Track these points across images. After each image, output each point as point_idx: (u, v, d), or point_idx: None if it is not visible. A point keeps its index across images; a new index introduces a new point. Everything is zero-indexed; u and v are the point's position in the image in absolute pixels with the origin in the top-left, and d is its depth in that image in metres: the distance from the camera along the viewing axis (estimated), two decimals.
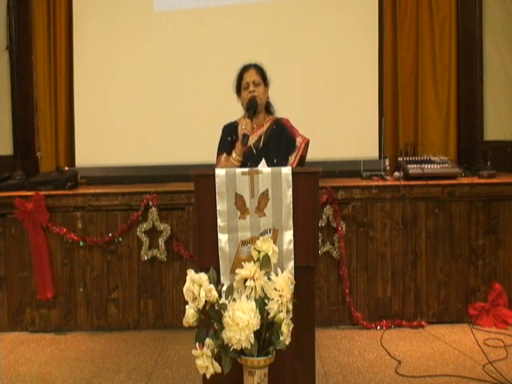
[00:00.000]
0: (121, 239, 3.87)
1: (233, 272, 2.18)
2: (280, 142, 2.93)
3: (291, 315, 2.03)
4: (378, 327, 3.79)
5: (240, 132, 2.78)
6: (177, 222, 3.88)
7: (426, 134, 4.57)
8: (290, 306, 2.01)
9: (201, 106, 4.42)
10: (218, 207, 2.25)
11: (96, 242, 3.86)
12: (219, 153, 2.96)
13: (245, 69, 2.96)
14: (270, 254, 2.08)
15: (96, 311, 3.93)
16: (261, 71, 2.96)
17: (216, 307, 2.00)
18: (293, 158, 2.89)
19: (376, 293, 3.86)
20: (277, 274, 2.02)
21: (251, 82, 2.90)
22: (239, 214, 2.24)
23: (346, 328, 3.83)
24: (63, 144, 4.67)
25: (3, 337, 3.83)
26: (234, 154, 2.84)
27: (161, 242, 3.82)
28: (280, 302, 1.96)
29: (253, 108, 2.84)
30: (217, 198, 2.25)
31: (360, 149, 4.11)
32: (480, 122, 4.56)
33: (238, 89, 2.97)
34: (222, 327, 1.94)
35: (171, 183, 4.20)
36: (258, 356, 1.97)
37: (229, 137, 2.97)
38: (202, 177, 2.30)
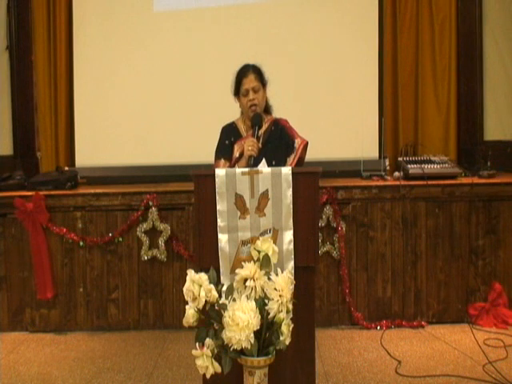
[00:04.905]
0: (121, 239, 3.87)
1: (233, 272, 2.18)
2: (279, 143, 2.91)
3: (291, 315, 2.03)
4: (378, 327, 3.78)
5: (246, 153, 2.73)
6: (177, 222, 3.88)
7: (426, 134, 4.57)
8: (290, 306, 2.01)
9: (200, 106, 4.42)
10: (218, 207, 2.25)
11: (96, 242, 3.86)
12: (217, 157, 2.95)
13: (243, 74, 2.89)
14: (270, 254, 2.08)
15: (96, 311, 3.93)
16: (259, 74, 2.91)
17: (216, 307, 2.00)
18: (291, 160, 2.86)
19: (376, 293, 3.86)
20: (277, 274, 2.02)
21: (251, 88, 2.86)
22: (239, 213, 2.24)
23: (346, 328, 3.83)
24: (63, 144, 4.67)
25: (3, 337, 3.83)
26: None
27: (161, 242, 3.83)
28: (280, 301, 1.96)
29: (257, 125, 2.81)
30: (217, 198, 2.25)
31: (360, 149, 4.11)
32: (480, 121, 4.56)
33: (237, 91, 2.93)
34: (222, 327, 1.94)
35: (171, 183, 4.20)
36: (258, 356, 1.97)
37: (227, 140, 2.95)
38: (202, 177, 2.30)
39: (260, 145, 2.84)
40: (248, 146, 2.73)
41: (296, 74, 4.44)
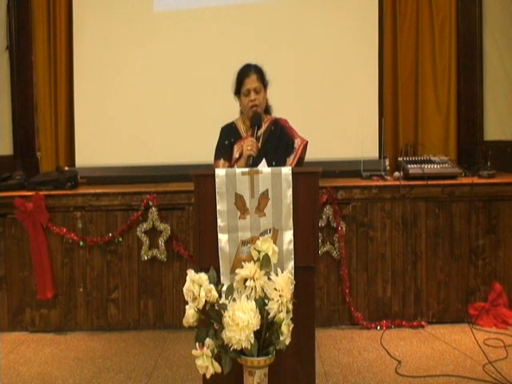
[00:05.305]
0: (121, 239, 3.87)
1: (233, 272, 2.18)
2: (278, 143, 2.90)
3: (291, 315, 2.03)
4: (378, 327, 3.78)
5: (245, 153, 2.74)
6: (177, 222, 3.88)
7: (426, 134, 4.57)
8: (290, 306, 2.01)
9: (200, 106, 4.42)
10: (218, 207, 2.25)
11: (96, 242, 3.86)
12: (217, 157, 2.94)
13: (245, 74, 2.88)
14: (270, 254, 2.07)
15: (96, 311, 3.93)
16: (261, 75, 2.90)
17: (216, 307, 2.00)
18: (291, 160, 2.86)
19: (376, 293, 3.86)
20: (277, 274, 2.02)
21: (252, 89, 2.85)
22: (239, 214, 2.24)
23: (346, 328, 3.83)
24: (63, 144, 4.67)
25: (3, 337, 3.83)
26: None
27: (161, 242, 3.82)
28: (280, 301, 1.96)
29: (257, 125, 2.82)
30: (217, 198, 2.25)
31: (360, 149, 4.11)
32: (480, 121, 4.56)
33: (238, 91, 2.93)
34: (222, 327, 1.94)
35: (171, 183, 4.20)
36: (258, 356, 1.97)
37: (226, 140, 2.95)
38: (202, 177, 2.30)
39: (259, 145, 2.84)
40: (247, 145, 2.73)
41: (296, 74, 4.44)
